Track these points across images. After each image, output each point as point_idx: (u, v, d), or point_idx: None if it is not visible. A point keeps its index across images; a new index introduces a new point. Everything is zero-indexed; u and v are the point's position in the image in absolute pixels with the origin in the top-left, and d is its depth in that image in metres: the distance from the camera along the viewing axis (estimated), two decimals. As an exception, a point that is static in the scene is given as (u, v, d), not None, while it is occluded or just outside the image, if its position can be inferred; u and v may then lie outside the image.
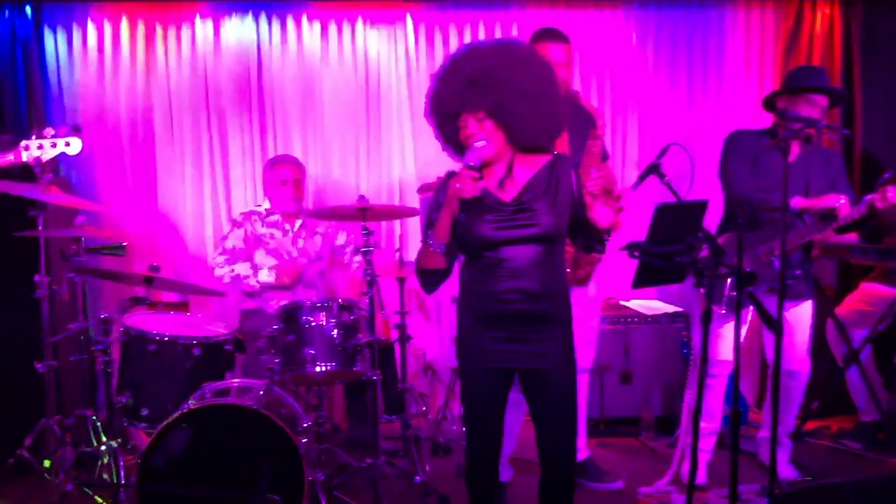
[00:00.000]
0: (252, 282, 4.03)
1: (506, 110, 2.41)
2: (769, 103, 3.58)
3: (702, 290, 2.55)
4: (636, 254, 2.47)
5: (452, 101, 2.45)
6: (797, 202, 3.38)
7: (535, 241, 2.44)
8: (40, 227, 3.57)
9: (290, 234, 4.17)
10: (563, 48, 3.37)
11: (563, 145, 3.37)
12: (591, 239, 2.54)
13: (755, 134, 3.59)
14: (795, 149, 3.50)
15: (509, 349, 2.48)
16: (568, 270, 3.22)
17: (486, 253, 2.48)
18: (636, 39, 4.88)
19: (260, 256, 4.11)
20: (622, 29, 4.86)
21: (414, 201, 4.71)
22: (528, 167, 2.51)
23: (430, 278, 2.56)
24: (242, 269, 4.05)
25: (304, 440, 3.13)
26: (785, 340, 3.39)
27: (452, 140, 2.54)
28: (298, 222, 4.20)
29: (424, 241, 2.53)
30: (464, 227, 2.46)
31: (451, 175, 2.50)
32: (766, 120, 4.73)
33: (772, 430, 2.85)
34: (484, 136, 2.43)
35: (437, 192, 2.57)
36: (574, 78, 3.45)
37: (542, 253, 2.45)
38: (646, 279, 2.60)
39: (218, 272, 4.09)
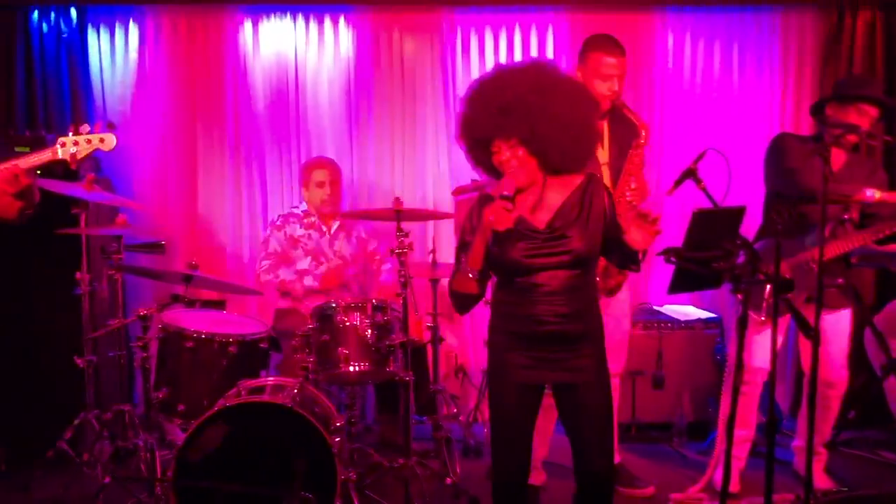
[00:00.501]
0: (297, 286, 4.08)
1: (538, 138, 2.43)
2: (818, 109, 3.53)
3: (738, 297, 2.53)
4: (672, 259, 2.46)
5: (485, 127, 2.46)
6: (871, 194, 3.28)
7: (568, 266, 2.46)
8: (82, 225, 3.65)
9: (327, 236, 4.21)
10: (620, 61, 3.32)
11: (603, 154, 3.36)
12: (625, 258, 2.55)
13: (800, 139, 3.54)
14: (841, 157, 3.44)
15: (543, 367, 2.49)
16: (598, 279, 3.22)
17: (518, 278, 2.49)
18: (672, 43, 4.85)
19: (297, 257, 4.15)
20: (658, 32, 4.83)
21: (448, 203, 4.73)
22: (561, 190, 2.52)
23: (464, 301, 2.57)
24: (286, 275, 4.10)
25: (337, 439, 3.15)
26: (822, 349, 3.35)
27: (484, 163, 2.57)
28: (336, 224, 4.24)
29: (457, 264, 2.54)
30: (497, 254, 2.48)
31: (485, 199, 2.54)
32: (804, 126, 4.69)
33: (808, 440, 2.81)
34: (517, 163, 2.45)
35: (470, 216, 2.59)
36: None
37: (574, 276, 2.47)
38: (682, 285, 2.59)
39: (263, 277, 4.15)
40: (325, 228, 4.22)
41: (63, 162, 2.87)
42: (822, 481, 3.61)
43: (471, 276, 2.47)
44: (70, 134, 2.82)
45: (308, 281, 4.08)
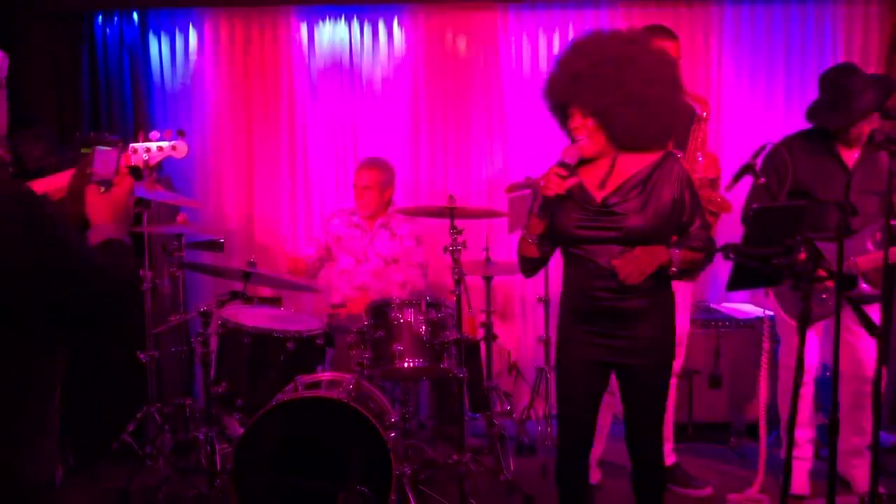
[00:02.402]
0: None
1: (608, 112, 2.40)
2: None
3: (798, 294, 2.48)
4: (731, 255, 2.42)
5: (559, 92, 2.48)
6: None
7: (621, 242, 2.43)
8: (144, 224, 3.75)
9: (369, 234, 4.24)
10: (673, 45, 3.29)
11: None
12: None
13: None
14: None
15: (601, 343, 2.51)
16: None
17: (573, 250, 2.51)
18: (730, 38, 4.76)
19: (340, 255, 4.22)
20: (716, 26, 4.75)
21: (502, 201, 4.73)
22: (630, 167, 2.48)
23: (527, 264, 2.64)
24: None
25: (391, 434, 3.18)
26: (860, 345, 3.34)
27: (563, 125, 2.58)
28: (378, 223, 4.25)
29: (524, 227, 2.59)
30: (554, 223, 2.51)
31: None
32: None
33: (873, 440, 2.73)
34: (585, 134, 2.45)
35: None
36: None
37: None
38: (741, 281, 2.55)
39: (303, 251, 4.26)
40: (367, 228, 4.25)
41: (136, 168, 2.95)
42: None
43: (530, 240, 2.53)
44: (140, 140, 2.89)
45: (336, 297, 4.18)
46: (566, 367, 2.60)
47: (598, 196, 2.48)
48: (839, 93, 3.26)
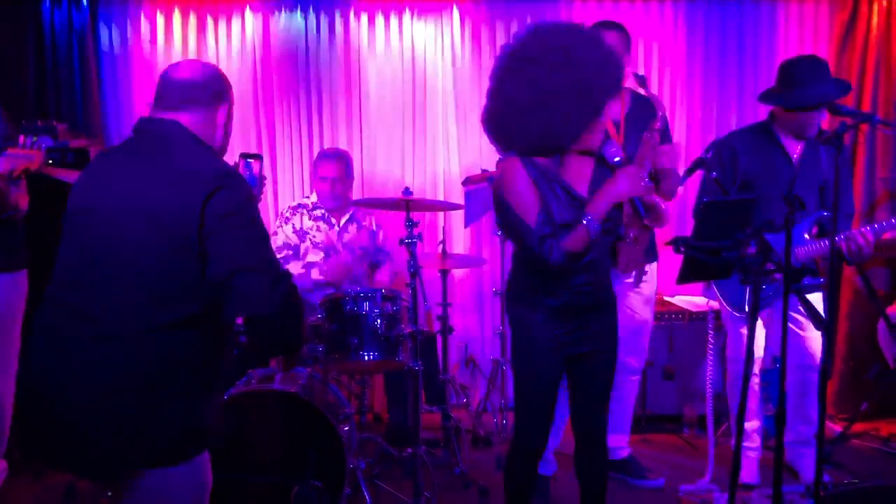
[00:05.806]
0: (305, 280, 4.07)
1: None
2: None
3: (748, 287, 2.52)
4: (681, 248, 2.44)
5: (615, 85, 2.49)
6: None
7: (609, 233, 2.54)
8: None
9: (336, 228, 4.20)
10: (609, 34, 3.27)
11: (618, 136, 3.32)
12: None
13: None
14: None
15: (576, 338, 2.55)
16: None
17: None
18: (685, 34, 4.80)
19: (306, 250, 4.14)
20: (670, 23, 4.79)
21: (458, 194, 4.72)
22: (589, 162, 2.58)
23: (577, 261, 2.46)
24: (294, 268, 4.08)
25: (345, 428, 3.16)
26: (807, 335, 3.40)
27: (587, 125, 2.47)
28: (346, 216, 4.22)
29: (556, 227, 2.42)
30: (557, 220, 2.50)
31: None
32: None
33: (819, 428, 2.78)
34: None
35: (535, 182, 2.47)
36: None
37: (606, 244, 2.58)
38: (691, 274, 2.58)
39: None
40: (333, 221, 4.20)
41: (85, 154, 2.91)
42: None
43: (593, 235, 2.41)
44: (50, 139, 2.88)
45: (315, 274, 4.07)
46: (539, 367, 2.56)
47: (583, 192, 2.52)
48: (804, 73, 3.27)
